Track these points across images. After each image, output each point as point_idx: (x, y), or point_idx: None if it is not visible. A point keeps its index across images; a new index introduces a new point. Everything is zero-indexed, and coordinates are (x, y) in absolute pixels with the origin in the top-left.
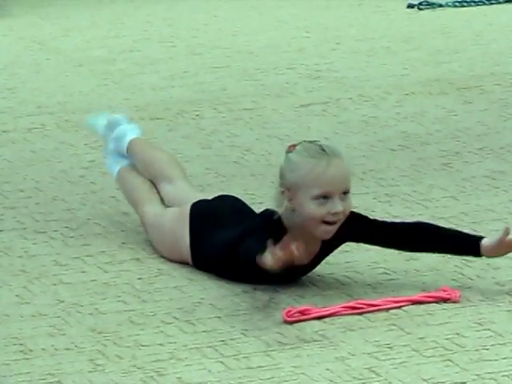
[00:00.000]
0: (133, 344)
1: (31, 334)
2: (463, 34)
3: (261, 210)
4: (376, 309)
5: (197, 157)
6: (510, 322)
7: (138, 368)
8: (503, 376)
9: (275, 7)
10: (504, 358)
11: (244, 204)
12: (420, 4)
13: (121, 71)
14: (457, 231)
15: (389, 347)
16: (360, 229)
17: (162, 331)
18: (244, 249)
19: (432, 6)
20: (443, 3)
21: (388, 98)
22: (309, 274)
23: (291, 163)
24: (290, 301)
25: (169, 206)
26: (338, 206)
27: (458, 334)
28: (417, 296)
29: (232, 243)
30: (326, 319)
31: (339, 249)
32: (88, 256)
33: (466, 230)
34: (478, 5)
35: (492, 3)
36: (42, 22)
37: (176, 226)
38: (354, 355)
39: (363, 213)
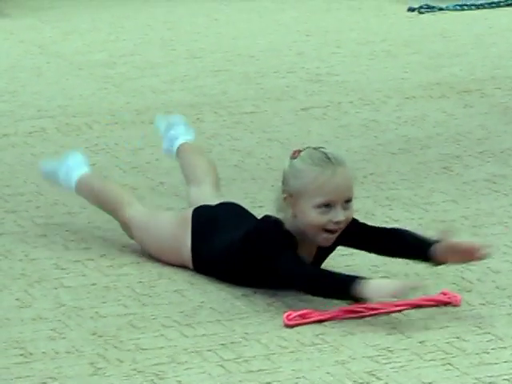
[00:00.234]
0: (133, 347)
1: (32, 337)
2: (464, 38)
3: (261, 214)
4: (376, 312)
5: None
6: (511, 326)
7: (139, 371)
8: (504, 380)
9: (275, 11)
10: (504, 362)
11: (246, 210)
12: (420, 8)
13: (121, 75)
14: (418, 239)
15: (389, 351)
16: (353, 234)
17: (162, 335)
18: (309, 275)
19: (432, 9)
20: (444, 7)
21: (388, 101)
22: None
23: (295, 170)
24: (290, 304)
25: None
26: (339, 215)
27: (458, 337)
28: (417, 300)
29: (233, 248)
30: (327, 323)
31: (340, 252)
32: (88, 260)
33: (466, 234)
34: (478, 8)
35: (492, 7)
36: (42, 25)
37: (177, 229)
38: (354, 359)
39: (363, 217)
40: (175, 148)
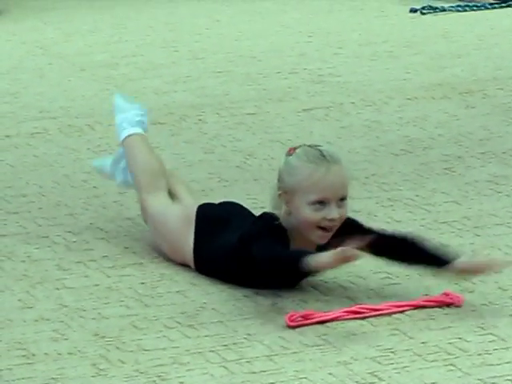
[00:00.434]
0: (136, 348)
1: (34, 338)
2: (465, 39)
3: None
4: (378, 313)
5: (199, 161)
6: None
7: (141, 372)
8: (506, 380)
9: (278, 12)
10: (507, 363)
11: (249, 211)
12: (422, 8)
13: (123, 76)
14: (437, 248)
15: (391, 352)
16: (353, 235)
17: (164, 336)
18: (267, 254)
19: (434, 10)
20: (446, 8)
21: (390, 102)
22: (311, 279)
23: (290, 167)
24: (292, 305)
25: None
26: (333, 213)
27: (460, 338)
28: (419, 300)
29: (232, 247)
30: (329, 324)
31: None
32: (91, 261)
33: (468, 235)
34: (480, 9)
35: (494, 8)
36: (44, 26)
37: (181, 226)
38: (356, 360)
39: (365, 217)
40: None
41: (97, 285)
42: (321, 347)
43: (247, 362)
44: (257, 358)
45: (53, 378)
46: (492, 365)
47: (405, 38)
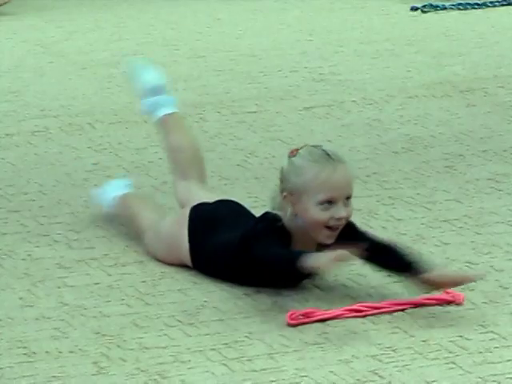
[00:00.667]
0: (136, 347)
1: (35, 336)
2: (466, 37)
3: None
4: (379, 311)
5: None
6: None
7: (142, 371)
8: (507, 378)
9: (279, 10)
10: (508, 361)
11: (245, 208)
12: (423, 7)
13: (124, 74)
14: (413, 257)
15: (392, 350)
16: (350, 239)
17: (165, 334)
18: (266, 254)
19: (435, 8)
20: (446, 6)
21: (391, 100)
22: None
23: (296, 167)
24: (293, 303)
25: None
26: (341, 212)
27: (461, 336)
28: (420, 299)
29: (232, 246)
30: (330, 322)
31: None
32: (92, 259)
33: (469, 233)
34: (481, 7)
35: (495, 6)
36: (45, 25)
37: (175, 229)
38: (357, 358)
39: (366, 215)
40: (156, 118)
41: (98, 283)
42: (322, 345)
43: (248, 360)
44: (258, 356)
45: (54, 376)
46: (493, 363)
47: (406, 36)
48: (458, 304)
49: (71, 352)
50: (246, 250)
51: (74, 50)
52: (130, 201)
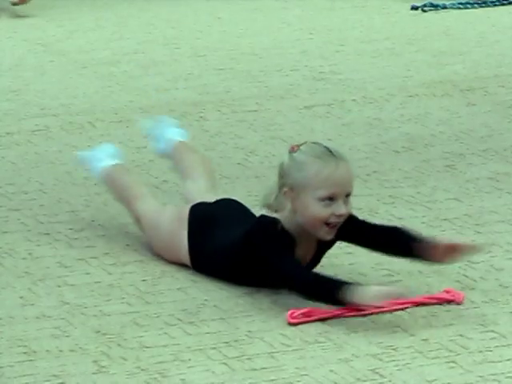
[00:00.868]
0: (137, 345)
1: (35, 335)
2: (467, 36)
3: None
4: (380, 310)
5: None
6: None
7: (142, 369)
8: (507, 377)
9: (279, 9)
10: (508, 360)
11: (245, 207)
12: (424, 6)
13: (125, 73)
14: (415, 238)
15: (393, 349)
16: (351, 229)
17: (165, 333)
18: (299, 277)
19: (436, 7)
20: (447, 5)
21: (392, 99)
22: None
23: (297, 163)
24: (293, 302)
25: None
26: (342, 209)
27: (461, 335)
28: (420, 298)
29: (232, 248)
30: (330, 321)
31: (343, 251)
32: (92, 258)
33: (469, 232)
34: (481, 6)
35: (496, 5)
36: (46, 24)
37: (174, 227)
38: (357, 357)
39: (367, 214)
40: (171, 147)
41: (98, 282)
42: (322, 344)
43: (248, 359)
44: (258, 355)
45: (54, 375)
46: (493, 362)
47: (406, 35)
48: (458, 303)
49: (72, 351)
50: (252, 258)
51: (75, 49)
52: (119, 175)
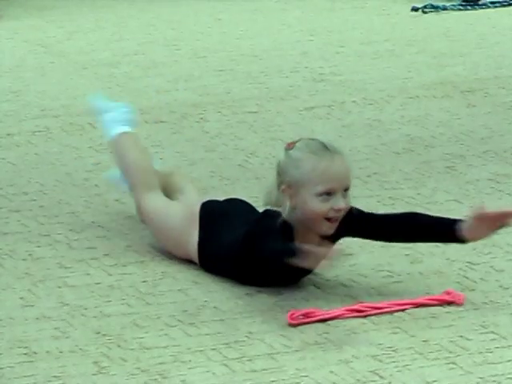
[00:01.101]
0: (137, 347)
1: (36, 336)
2: (467, 38)
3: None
4: (380, 311)
5: (201, 160)
6: None
7: (142, 371)
8: (507, 379)
9: (279, 10)
10: (508, 361)
11: (253, 207)
12: (424, 7)
13: (125, 74)
14: (441, 219)
15: (393, 350)
16: (356, 224)
17: (166, 334)
18: (267, 249)
19: (436, 9)
20: (447, 6)
21: (392, 101)
22: (313, 277)
23: (294, 160)
24: (293, 303)
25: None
26: (340, 203)
27: (461, 336)
28: (421, 299)
29: (237, 244)
30: (330, 322)
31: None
32: (92, 259)
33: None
34: (481, 8)
35: (496, 6)
36: (46, 25)
37: (184, 223)
38: (357, 358)
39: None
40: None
41: (98, 283)
42: (322, 345)
43: (248, 360)
44: (258, 356)
45: (54, 376)
46: (493, 363)
47: (406, 36)
48: (459, 304)
49: (72, 352)
50: (250, 247)
51: (75, 50)
52: (129, 147)
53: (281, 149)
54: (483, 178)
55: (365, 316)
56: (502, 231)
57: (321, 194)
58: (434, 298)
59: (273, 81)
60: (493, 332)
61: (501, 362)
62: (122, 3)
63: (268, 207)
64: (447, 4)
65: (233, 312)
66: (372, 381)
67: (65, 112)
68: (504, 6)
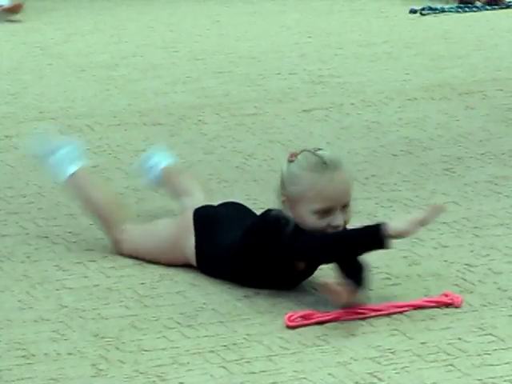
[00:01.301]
0: (135, 349)
1: (34, 339)
2: (465, 40)
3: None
4: (378, 314)
5: (199, 162)
6: None
7: (141, 373)
8: (505, 381)
9: (278, 12)
10: (506, 363)
11: (249, 209)
12: (422, 9)
13: (123, 76)
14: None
15: (391, 352)
16: None
17: (164, 336)
18: (308, 243)
19: (434, 11)
20: (445, 8)
21: (390, 103)
22: (311, 279)
23: (292, 175)
24: (292, 306)
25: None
26: (338, 220)
27: (460, 338)
28: (419, 301)
29: (235, 245)
30: (328, 324)
31: None
32: (90, 261)
33: (467, 235)
34: (479, 10)
35: (494, 9)
36: (44, 27)
37: (178, 230)
38: (356, 360)
39: (365, 218)
40: (160, 172)
41: (96, 285)
42: (320, 347)
43: (247, 362)
44: (256, 359)
45: (52, 379)
46: (491, 365)
47: (404, 38)
48: (457, 306)
49: (70, 354)
50: (253, 241)
51: (73, 52)
52: (88, 186)
53: (279, 151)
54: (481, 179)
55: (363, 318)
56: (501, 233)
57: (318, 212)
58: (432, 300)
59: (271, 83)
60: (491, 334)
61: (499, 364)
62: (121, 6)
63: (270, 207)
64: (445, 6)
65: (231, 314)
66: (370, 383)
67: (63, 114)
68: (502, 8)
